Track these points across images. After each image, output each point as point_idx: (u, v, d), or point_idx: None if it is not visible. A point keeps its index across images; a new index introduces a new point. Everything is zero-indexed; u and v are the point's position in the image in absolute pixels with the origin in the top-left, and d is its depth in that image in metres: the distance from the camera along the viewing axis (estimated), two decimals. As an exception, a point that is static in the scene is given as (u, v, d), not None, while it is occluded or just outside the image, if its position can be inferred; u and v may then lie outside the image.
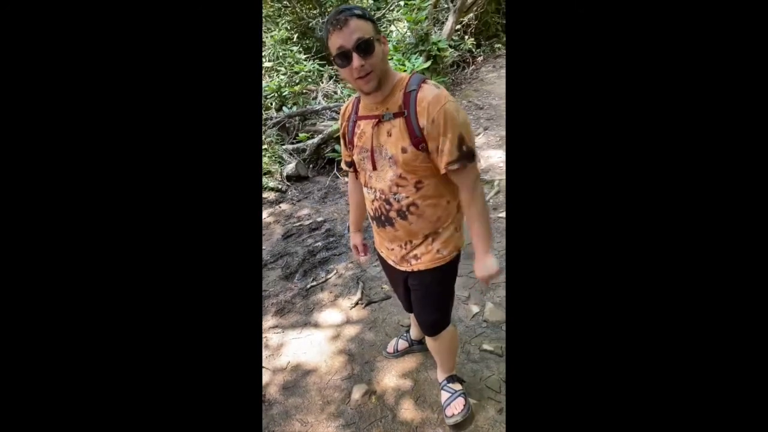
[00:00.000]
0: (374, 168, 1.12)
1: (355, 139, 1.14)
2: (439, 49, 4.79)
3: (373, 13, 5.79)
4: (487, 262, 1.11)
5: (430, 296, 1.24)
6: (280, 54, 5.35)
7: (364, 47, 0.94)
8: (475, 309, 1.99)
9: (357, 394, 1.64)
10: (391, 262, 1.28)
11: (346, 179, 3.75)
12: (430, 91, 1.00)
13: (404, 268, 1.23)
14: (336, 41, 0.95)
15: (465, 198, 1.10)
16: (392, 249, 1.23)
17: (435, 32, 5.31)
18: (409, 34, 4.95)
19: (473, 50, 6.11)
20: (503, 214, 2.69)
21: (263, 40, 5.63)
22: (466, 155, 1.03)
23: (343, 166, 1.32)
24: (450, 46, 5.41)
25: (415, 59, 4.38)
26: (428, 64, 4.47)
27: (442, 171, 1.04)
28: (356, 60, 0.95)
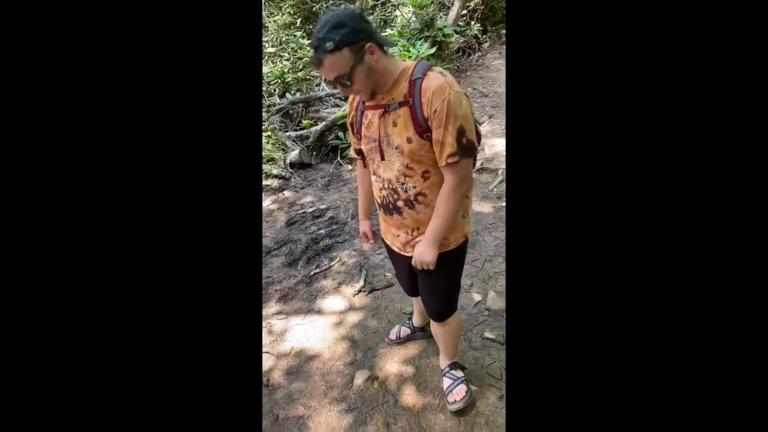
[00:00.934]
0: (382, 158, 1.12)
1: (363, 129, 1.14)
2: (444, 35, 4.72)
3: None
4: (427, 250, 1.12)
5: (436, 282, 1.25)
6: (283, 39, 5.29)
7: (344, 80, 0.97)
8: (477, 297, 2.00)
9: (359, 379, 1.66)
10: (396, 248, 1.29)
11: (349, 167, 3.74)
12: (435, 80, 0.98)
13: (409, 253, 1.24)
14: (320, 73, 0.99)
15: (445, 191, 1.06)
16: (398, 235, 1.25)
17: (440, 17, 5.22)
18: (414, 19, 4.87)
19: (479, 36, 6.01)
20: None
21: (266, 24, 5.56)
22: (466, 148, 1.01)
23: (352, 153, 1.32)
24: (456, 32, 5.32)
25: (420, 45, 4.32)
26: (433, 50, 4.41)
27: (442, 163, 1.03)
28: (341, 90, 1.01)
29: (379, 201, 1.22)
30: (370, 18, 5.56)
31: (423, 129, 1.01)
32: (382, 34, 5.02)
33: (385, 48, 1.02)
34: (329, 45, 0.91)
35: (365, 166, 1.28)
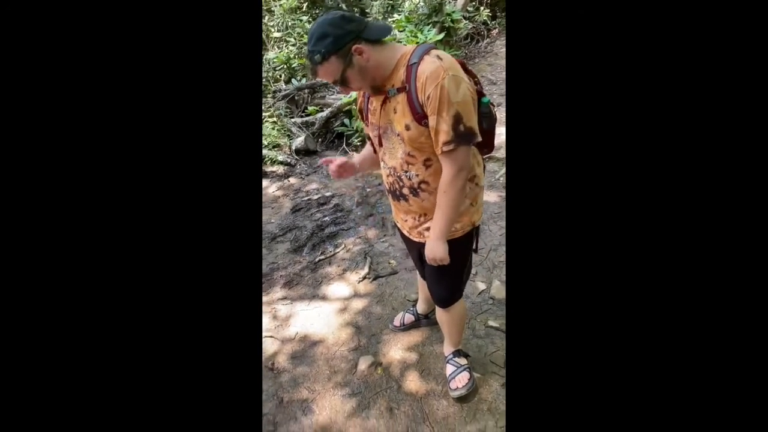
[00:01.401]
0: (380, 145, 1.13)
1: (370, 116, 1.14)
2: (452, 21, 4.64)
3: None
4: (436, 246, 1.12)
5: (442, 269, 1.25)
6: (290, 24, 5.22)
7: (340, 83, 1.02)
8: (481, 286, 2.00)
9: (363, 365, 1.68)
10: (405, 232, 1.30)
11: (355, 154, 3.72)
12: (430, 65, 0.96)
13: (417, 239, 1.25)
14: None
15: (444, 182, 1.04)
16: (406, 220, 1.26)
17: (449, 2, 5.12)
18: (422, 4, 4.78)
19: (488, 22, 5.89)
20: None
21: (272, 8, 5.48)
22: (462, 135, 0.98)
23: (367, 139, 1.31)
24: (464, 18, 5.22)
25: (428, 31, 4.24)
26: (441, 36, 4.33)
27: (438, 152, 1.01)
28: (342, 90, 1.06)
29: (387, 187, 1.23)
30: (377, 3, 5.46)
31: (420, 115, 0.99)
32: (389, 19, 4.95)
33: (379, 39, 1.00)
34: (317, 58, 0.97)
35: (376, 152, 1.27)
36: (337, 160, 1.27)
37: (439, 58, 0.97)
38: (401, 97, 1.01)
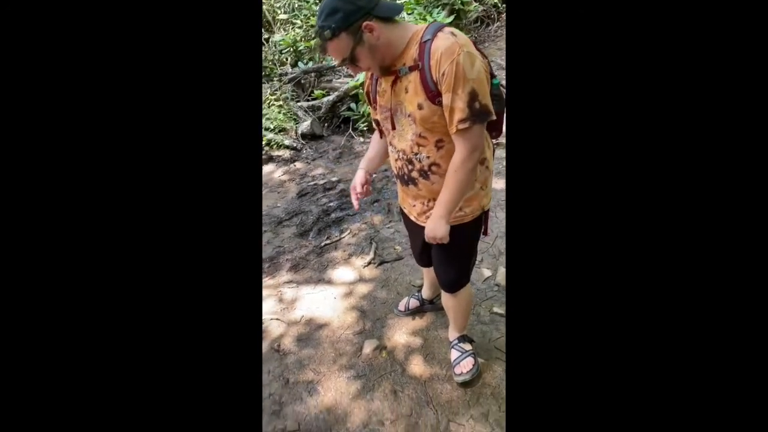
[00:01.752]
0: (393, 127, 1.10)
1: (378, 98, 1.12)
2: (462, 3, 4.54)
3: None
4: (438, 224, 1.09)
5: (449, 254, 1.24)
6: (296, 6, 5.13)
7: (349, 61, 1.00)
8: (487, 273, 2.00)
9: (368, 348, 1.69)
10: (413, 218, 1.28)
11: (361, 139, 3.69)
12: (444, 41, 0.93)
13: (424, 223, 1.23)
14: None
15: (456, 161, 1.02)
16: (414, 205, 1.24)
17: (459, -16, 5.00)
18: (431, -15, 4.67)
19: (499, 5, 5.76)
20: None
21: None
22: (478, 113, 0.95)
23: (374, 124, 1.29)
24: (474, 0, 5.11)
25: (437, 13, 4.16)
26: (451, 19, 4.25)
27: (452, 130, 0.98)
28: (351, 69, 1.05)
29: (395, 172, 1.21)
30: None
31: (434, 93, 0.96)
32: (398, 1, 4.85)
33: (391, 17, 0.98)
34: (327, 33, 0.94)
35: (382, 137, 1.25)
36: (357, 186, 1.26)
37: (453, 34, 0.95)
38: (413, 76, 0.99)
